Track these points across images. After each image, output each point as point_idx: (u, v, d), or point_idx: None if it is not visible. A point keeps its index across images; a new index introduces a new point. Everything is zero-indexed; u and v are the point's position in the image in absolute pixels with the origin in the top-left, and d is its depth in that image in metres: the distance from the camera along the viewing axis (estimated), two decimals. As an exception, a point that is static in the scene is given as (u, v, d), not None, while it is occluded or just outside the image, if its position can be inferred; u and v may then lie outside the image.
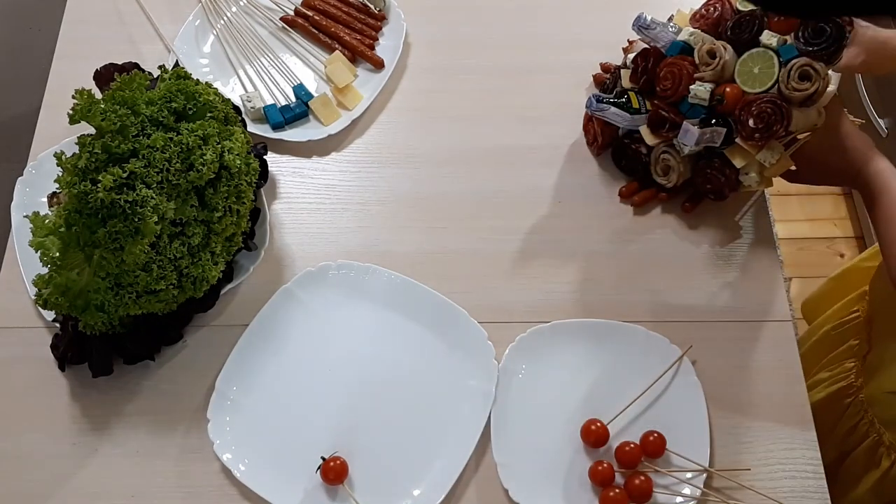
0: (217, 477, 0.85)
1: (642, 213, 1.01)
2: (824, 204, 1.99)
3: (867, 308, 1.06)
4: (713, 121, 0.91)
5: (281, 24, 1.14)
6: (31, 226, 0.82)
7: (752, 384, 0.90)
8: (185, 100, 0.85)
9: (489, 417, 0.86)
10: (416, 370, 0.90)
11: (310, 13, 1.14)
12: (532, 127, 1.07)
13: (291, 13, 1.15)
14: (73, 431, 0.87)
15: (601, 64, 1.10)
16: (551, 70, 1.11)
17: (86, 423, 0.88)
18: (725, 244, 0.99)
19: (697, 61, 0.91)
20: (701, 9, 0.95)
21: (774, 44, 0.87)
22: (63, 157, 0.80)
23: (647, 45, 0.97)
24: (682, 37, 0.93)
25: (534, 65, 1.12)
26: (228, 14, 1.15)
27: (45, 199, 0.96)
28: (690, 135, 0.91)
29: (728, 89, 0.89)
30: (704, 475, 0.84)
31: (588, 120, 1.05)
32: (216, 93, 0.89)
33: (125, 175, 0.78)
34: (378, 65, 1.10)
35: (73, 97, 0.81)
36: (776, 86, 0.87)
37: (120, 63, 1.01)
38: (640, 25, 0.95)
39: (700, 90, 0.90)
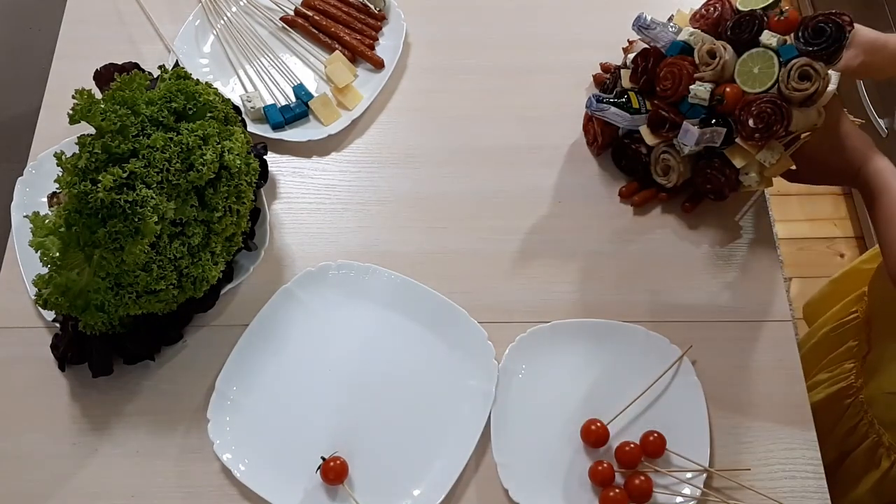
0: (217, 477, 0.85)
1: (642, 213, 1.01)
2: (824, 204, 1.99)
3: (866, 309, 1.07)
4: (713, 121, 0.91)
5: (281, 24, 1.14)
6: (31, 226, 0.82)
7: (752, 384, 0.90)
8: (185, 100, 0.85)
9: (489, 417, 0.86)
10: (416, 370, 0.90)
11: (310, 13, 1.14)
12: (532, 127, 1.07)
13: (291, 13, 1.15)
14: (73, 431, 0.87)
15: (601, 64, 1.10)
16: (551, 70, 1.11)
17: (86, 423, 0.88)
18: (725, 244, 0.99)
19: (697, 61, 0.91)
20: (701, 9, 0.95)
21: (774, 44, 0.87)
22: (63, 157, 0.80)
23: (647, 45, 0.97)
24: (682, 37, 0.93)
25: (534, 65, 1.12)
26: (228, 14, 1.15)
27: (45, 199, 0.96)
28: (690, 135, 0.91)
29: (728, 89, 0.89)
30: (704, 475, 0.84)
31: (588, 120, 1.05)
32: (216, 93, 0.89)
33: (125, 175, 0.78)
34: (378, 65, 1.10)
35: (73, 97, 0.81)
36: (776, 86, 0.87)
37: (120, 63, 1.01)
38: (640, 25, 0.95)
39: (700, 90, 0.90)
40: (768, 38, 0.88)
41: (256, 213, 0.96)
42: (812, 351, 1.14)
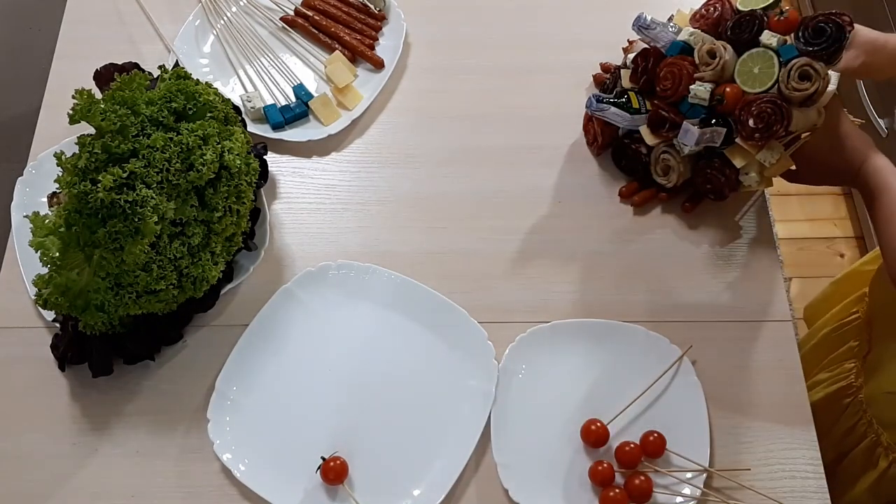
0: (217, 477, 0.85)
1: (642, 213, 1.01)
2: (824, 204, 1.99)
3: (867, 309, 1.07)
4: (713, 121, 0.91)
5: (281, 24, 1.14)
6: (31, 226, 0.82)
7: (752, 384, 0.90)
8: (185, 100, 0.85)
9: (489, 417, 0.86)
10: (416, 370, 0.90)
11: (310, 13, 1.14)
12: (532, 127, 1.07)
13: (291, 13, 1.15)
14: (73, 431, 0.87)
15: (601, 64, 1.10)
16: (551, 70, 1.11)
17: (86, 423, 0.88)
18: (725, 244, 0.99)
19: (697, 61, 0.91)
20: (701, 9, 0.95)
21: (774, 44, 0.87)
22: (63, 157, 0.80)
23: (647, 45, 0.97)
24: (682, 37, 0.93)
25: (534, 65, 1.12)
26: (228, 14, 1.15)
27: (45, 199, 0.96)
28: (690, 135, 0.91)
29: (728, 89, 0.89)
30: (704, 475, 0.84)
31: (588, 120, 1.05)
32: (216, 93, 0.89)
33: (125, 175, 0.78)
34: (378, 65, 1.10)
35: (73, 97, 0.81)
36: (776, 86, 0.87)
37: (120, 63, 1.01)
38: (640, 25, 0.95)
39: (700, 90, 0.90)
40: (768, 38, 0.88)
41: (256, 213, 0.96)
42: (812, 351, 1.14)
